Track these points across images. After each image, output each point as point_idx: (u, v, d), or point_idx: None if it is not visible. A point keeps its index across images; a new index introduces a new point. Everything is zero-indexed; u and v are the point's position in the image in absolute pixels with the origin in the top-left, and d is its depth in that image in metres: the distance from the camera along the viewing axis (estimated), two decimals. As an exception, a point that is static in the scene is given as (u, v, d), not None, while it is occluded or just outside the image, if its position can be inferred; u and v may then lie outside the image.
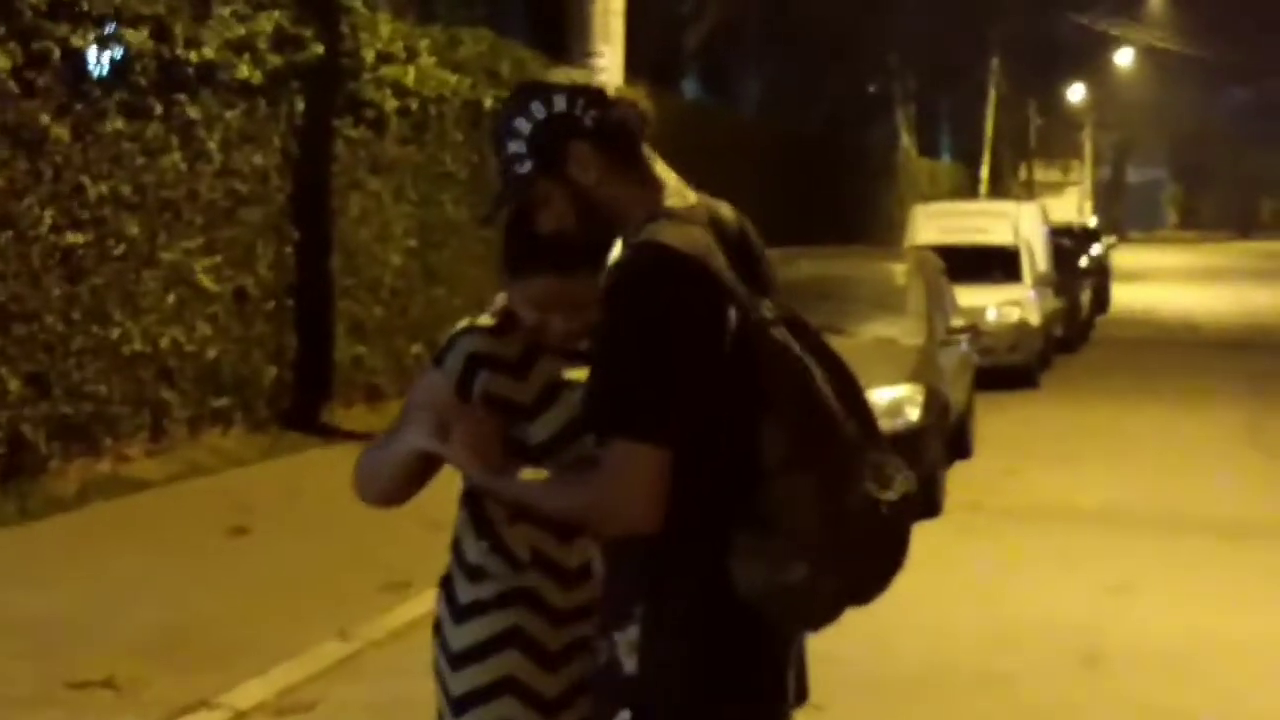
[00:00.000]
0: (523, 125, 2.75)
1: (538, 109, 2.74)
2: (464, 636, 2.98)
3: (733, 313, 2.58)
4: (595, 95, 2.79)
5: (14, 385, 8.80)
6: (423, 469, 2.96)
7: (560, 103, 2.74)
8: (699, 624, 2.60)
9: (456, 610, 3.00)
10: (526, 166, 2.74)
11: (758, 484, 2.53)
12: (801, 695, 2.79)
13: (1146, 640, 7.03)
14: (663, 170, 2.78)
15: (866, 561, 2.59)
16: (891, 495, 2.58)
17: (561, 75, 2.93)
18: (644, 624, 2.63)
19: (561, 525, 2.91)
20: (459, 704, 2.99)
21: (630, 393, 2.59)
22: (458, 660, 2.98)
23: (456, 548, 3.05)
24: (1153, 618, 7.43)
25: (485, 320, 3.05)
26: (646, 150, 2.78)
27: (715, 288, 2.60)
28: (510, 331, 3.02)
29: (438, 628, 3.06)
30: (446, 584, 3.04)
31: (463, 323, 3.08)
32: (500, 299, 3.07)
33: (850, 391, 2.64)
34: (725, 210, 2.81)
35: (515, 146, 2.75)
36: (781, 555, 2.50)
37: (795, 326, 2.64)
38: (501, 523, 2.97)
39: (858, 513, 2.52)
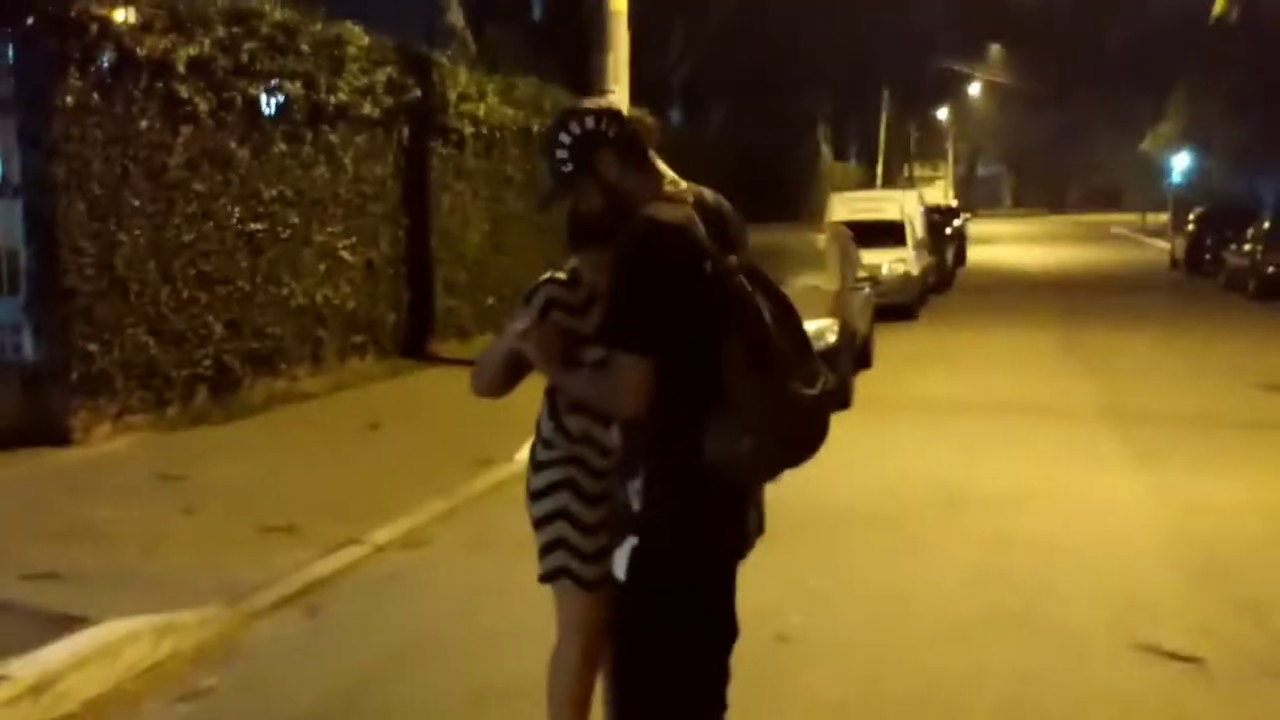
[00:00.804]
0: (565, 139, 2.73)
1: (575, 127, 2.72)
2: (538, 481, 3.07)
3: (707, 265, 2.56)
4: (615, 115, 2.77)
5: (218, 329, 8.74)
6: (514, 372, 2.99)
7: (590, 122, 2.71)
8: (681, 478, 2.60)
9: (534, 464, 3.10)
10: (569, 168, 2.73)
11: (722, 382, 2.52)
12: (760, 528, 2.77)
13: (990, 489, 6.97)
14: (663, 167, 2.75)
15: (797, 437, 2.58)
16: (814, 390, 2.58)
17: (590, 102, 2.88)
18: (645, 476, 2.65)
19: (603, 414, 2.91)
20: (535, 524, 3.07)
21: (627, 320, 2.59)
22: (533, 495, 3.08)
23: (538, 425, 3.10)
24: (995, 474, 7.36)
25: (561, 275, 3.07)
26: (652, 154, 2.75)
27: (693, 247, 2.57)
28: (577, 285, 3.03)
29: (527, 478, 3.12)
30: (532, 447, 3.11)
31: (545, 275, 3.09)
32: (572, 262, 3.07)
33: (789, 320, 2.63)
34: (708, 193, 2.77)
35: (560, 154, 2.74)
36: (736, 431, 2.51)
37: (752, 275, 2.61)
38: (564, 411, 3.03)
39: (791, 402, 2.52)
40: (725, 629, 2.81)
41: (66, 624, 4.31)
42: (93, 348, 7.53)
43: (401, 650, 4.46)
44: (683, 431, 2.57)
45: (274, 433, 8.30)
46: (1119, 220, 52.82)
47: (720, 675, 2.81)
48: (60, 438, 7.38)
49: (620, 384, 2.59)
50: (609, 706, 3.19)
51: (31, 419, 7.36)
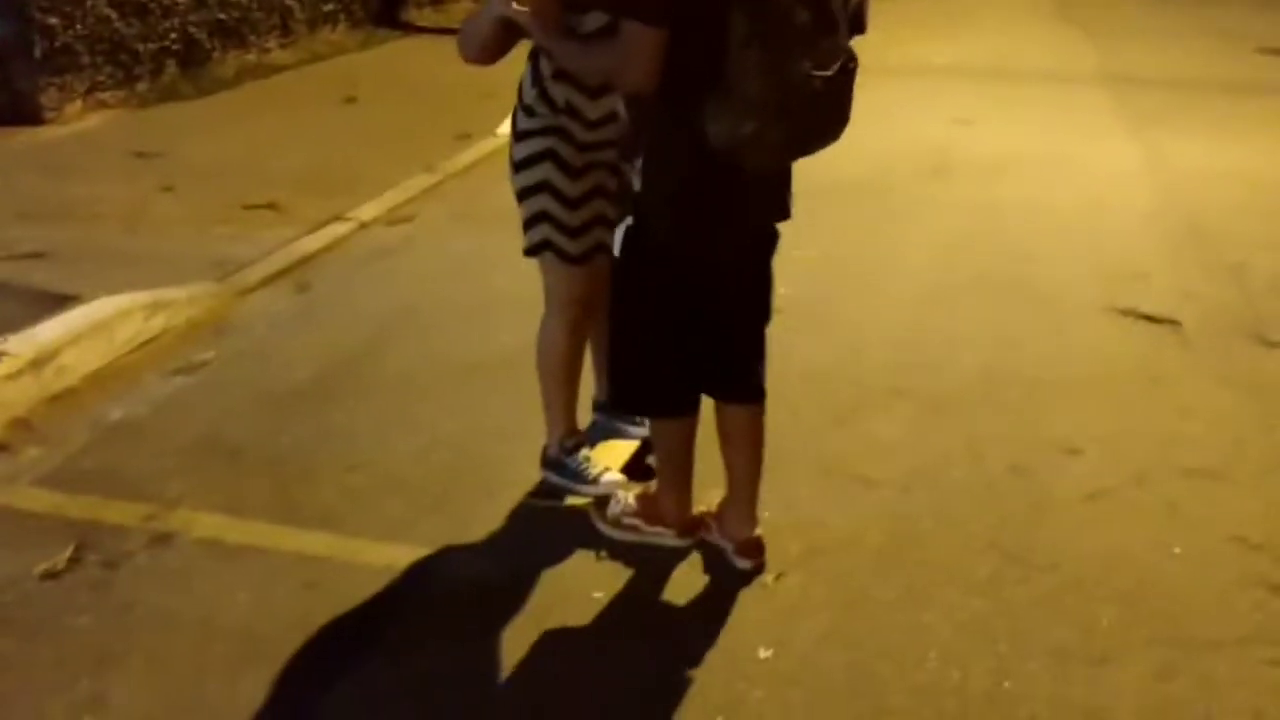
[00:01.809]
0: None
1: None
2: (520, 151, 2.95)
3: None
4: None
5: (181, -1, 8.31)
6: (504, 37, 2.82)
7: None
8: (680, 160, 2.53)
9: (515, 133, 2.96)
10: None
11: (724, 58, 2.37)
12: (782, 213, 2.72)
13: (980, 155, 6.89)
14: None
15: (803, 121, 2.44)
16: (829, 71, 2.41)
17: None
18: (646, 157, 2.59)
19: (587, 84, 2.80)
20: (518, 196, 2.98)
21: None
22: (516, 167, 2.96)
23: (520, 91, 2.95)
24: (985, 140, 7.25)
25: None
26: None
27: None
28: None
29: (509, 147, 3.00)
30: (513, 116, 2.96)
31: None
32: None
33: None
34: None
35: None
36: (737, 113, 2.38)
37: None
38: (548, 78, 2.87)
39: (796, 83, 2.36)
40: (731, 308, 2.79)
41: (58, 302, 4.30)
42: (53, 21, 7.12)
43: (393, 323, 4.50)
44: (685, 111, 2.45)
45: (248, 107, 7.99)
46: None
47: (721, 354, 2.82)
48: (31, 117, 7.12)
49: (630, 53, 2.47)
50: (601, 374, 3.27)
51: (-2, 98, 7.09)
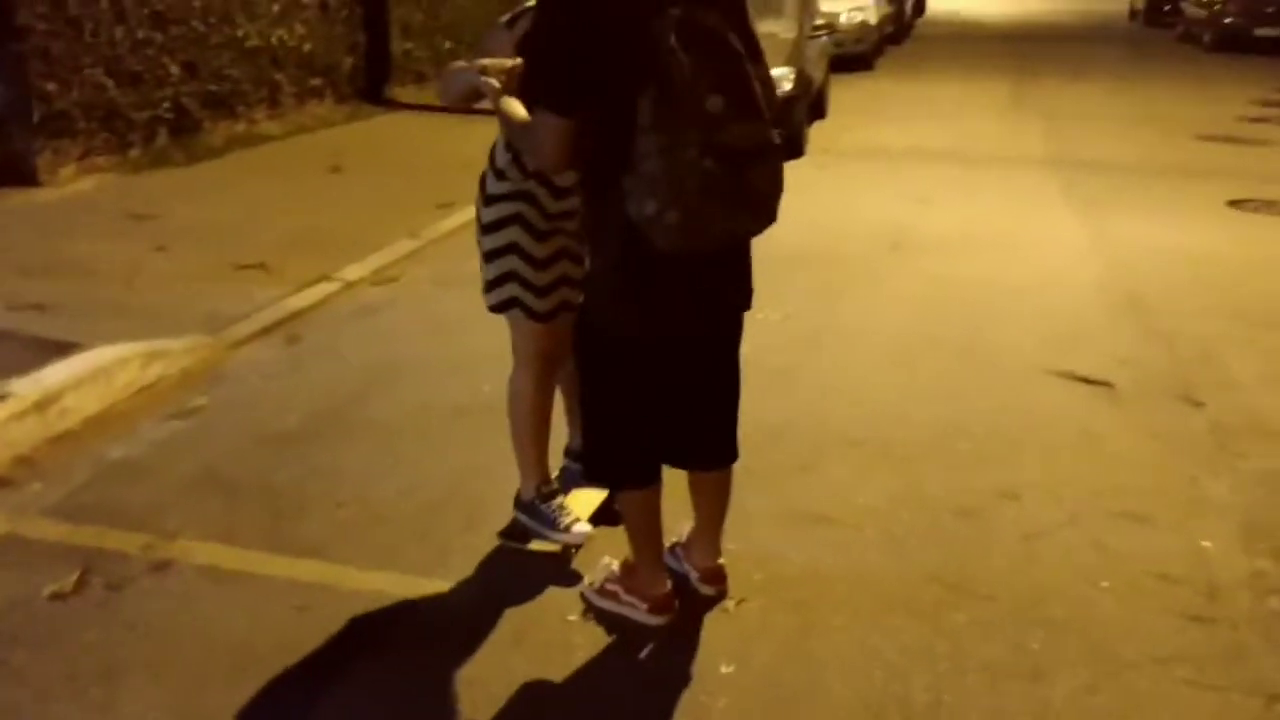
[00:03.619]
0: None
1: None
2: (489, 214, 3.10)
3: (624, 7, 2.42)
4: None
5: (174, 70, 8.56)
6: (472, 96, 2.93)
7: None
8: (614, 239, 2.56)
9: (485, 197, 3.12)
10: None
11: (633, 142, 2.39)
12: (743, 298, 2.77)
13: (936, 232, 7.21)
14: None
15: (702, 204, 2.40)
16: (746, 147, 2.41)
17: None
18: (586, 235, 2.74)
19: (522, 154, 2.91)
20: (486, 256, 3.13)
21: (543, 73, 2.53)
22: (485, 229, 3.12)
23: (491, 155, 3.11)
24: (941, 218, 7.58)
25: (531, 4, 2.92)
26: None
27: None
28: None
29: (477, 209, 3.16)
30: (482, 180, 3.12)
31: (527, 3, 2.95)
32: None
33: (732, 75, 2.41)
34: None
35: None
36: (641, 194, 2.40)
37: (690, 26, 2.37)
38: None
39: (690, 165, 2.36)
40: (694, 388, 2.85)
41: (60, 349, 4.49)
42: (51, 87, 7.39)
43: (380, 373, 4.70)
44: (609, 191, 2.48)
45: (237, 174, 8.26)
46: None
47: (689, 419, 2.88)
48: (26, 178, 7.35)
49: (538, 137, 2.52)
50: (572, 421, 3.46)
51: (-6, 160, 7.31)
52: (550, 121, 2.48)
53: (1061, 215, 7.75)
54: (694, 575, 3.09)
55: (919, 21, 26.44)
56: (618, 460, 2.90)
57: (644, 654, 2.87)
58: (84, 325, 4.89)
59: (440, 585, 3.14)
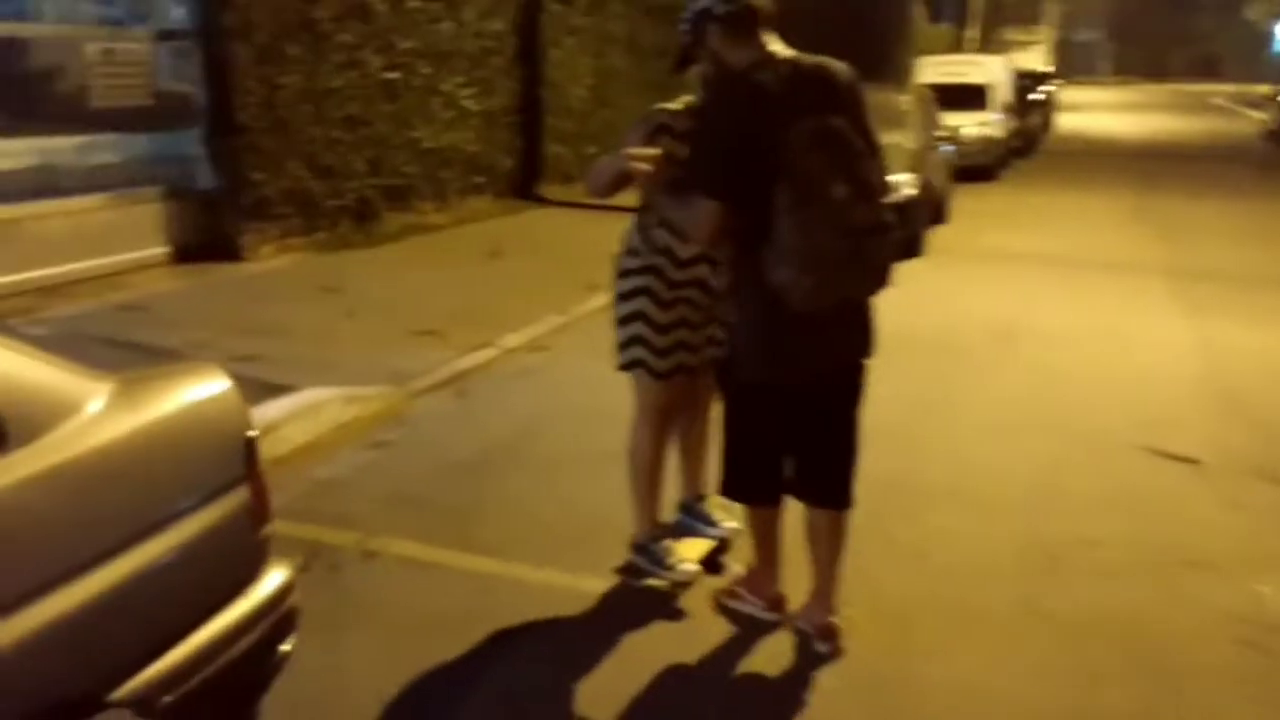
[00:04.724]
0: (687, 14, 3.12)
1: (695, 4, 3.09)
2: (622, 285, 3.54)
3: (766, 112, 2.87)
4: None
5: (360, 166, 9.62)
6: (621, 183, 3.33)
7: (706, 1, 3.06)
8: (757, 299, 2.98)
9: (620, 271, 3.55)
10: (688, 37, 3.13)
11: (773, 220, 2.86)
12: (861, 349, 3.17)
13: (1044, 327, 7.62)
14: (770, 41, 3.04)
15: (833, 272, 2.85)
16: (865, 226, 2.85)
17: None
18: (731, 296, 3.19)
19: (681, 230, 3.33)
20: (618, 322, 3.56)
21: (697, 163, 3.02)
22: (618, 299, 3.56)
23: (627, 236, 3.54)
24: (1050, 315, 7.99)
25: (673, 106, 3.43)
26: (760, 29, 3.03)
27: (754, 96, 2.91)
28: (687, 115, 3.37)
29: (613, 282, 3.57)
30: (619, 257, 3.55)
31: (658, 105, 3.44)
32: (688, 98, 3.42)
33: (854, 168, 2.87)
34: (806, 59, 3.02)
35: (683, 25, 3.14)
36: (777, 263, 2.86)
37: (821, 131, 2.85)
38: (651, 224, 3.47)
39: (820, 241, 2.82)
40: (822, 429, 3.25)
41: (276, 390, 5.30)
42: (259, 177, 8.47)
43: (537, 421, 5.40)
44: (752, 260, 2.92)
45: (410, 257, 9.19)
46: (1219, 90, 51.03)
47: (814, 457, 3.28)
48: (232, 255, 8.38)
49: (695, 220, 3.00)
50: (686, 475, 3.96)
51: (208, 239, 8.35)
52: (707, 204, 2.96)
53: (1167, 317, 8.10)
54: (811, 632, 3.39)
55: (1047, 137, 26.78)
56: (748, 484, 3.39)
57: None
58: (290, 374, 5.70)
59: (595, 584, 3.74)
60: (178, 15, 8.25)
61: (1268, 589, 3.84)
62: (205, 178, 8.34)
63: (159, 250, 8.15)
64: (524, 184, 12.48)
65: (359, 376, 5.76)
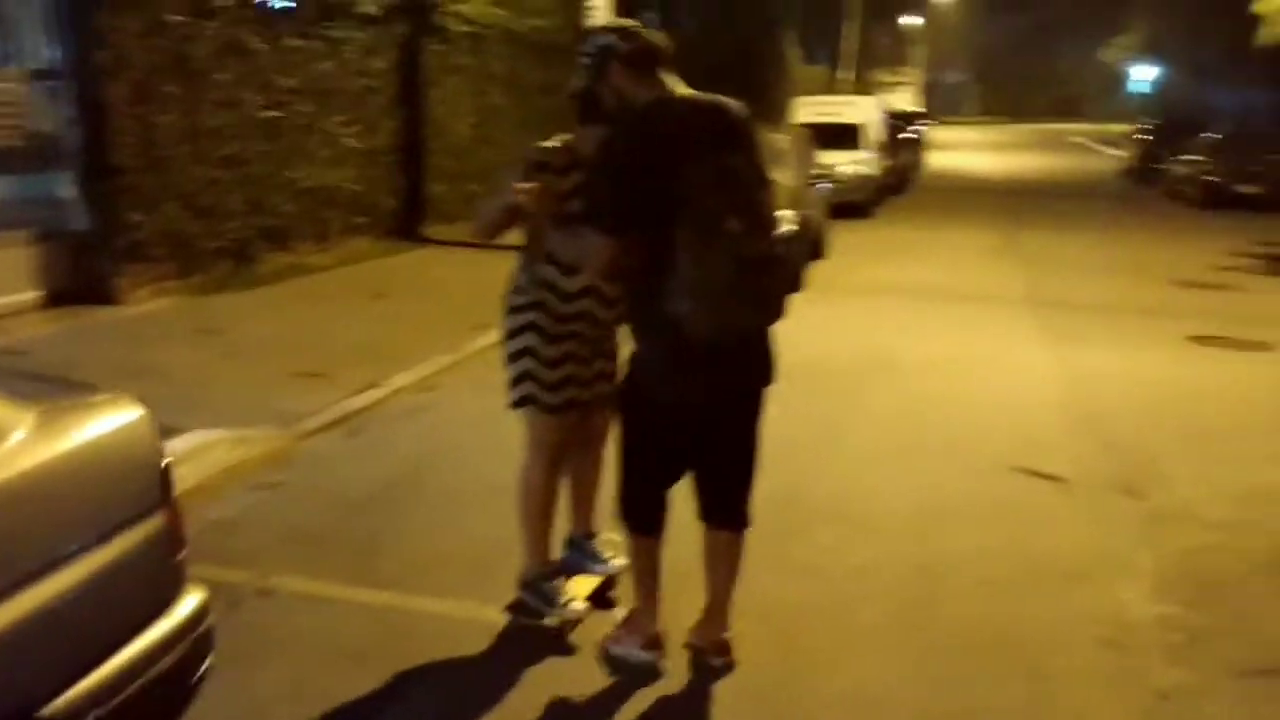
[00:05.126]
0: (588, 49, 3.23)
1: (596, 40, 3.22)
2: (509, 323, 3.60)
3: (664, 150, 3.00)
4: (628, 34, 3.21)
5: (239, 206, 9.58)
6: (508, 221, 3.44)
7: (607, 38, 3.21)
8: (653, 328, 3.12)
9: (508, 309, 3.60)
10: (591, 72, 3.21)
11: (670, 254, 2.95)
12: (756, 377, 3.28)
13: (920, 357, 7.99)
14: (670, 79, 3.17)
15: (729, 302, 2.96)
16: (756, 255, 2.95)
17: (613, 22, 3.39)
18: (630, 325, 3.31)
19: (567, 265, 3.43)
20: (507, 358, 3.61)
21: (594, 199, 3.13)
22: (507, 336, 3.61)
23: (513, 274, 3.59)
24: (926, 344, 8.39)
25: (550, 143, 3.48)
26: (660, 68, 3.17)
27: (654, 132, 3.04)
28: (565, 152, 3.42)
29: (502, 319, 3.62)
30: (506, 294, 3.60)
31: (536, 144, 3.49)
32: (565, 136, 3.47)
33: (748, 202, 3.00)
34: (704, 98, 3.16)
35: (585, 60, 3.23)
36: (676, 296, 2.96)
37: (720, 165, 2.98)
38: (536, 260, 3.52)
39: (720, 273, 2.92)
40: (718, 451, 3.36)
41: (161, 433, 5.26)
42: (135, 218, 8.38)
43: (429, 458, 5.48)
44: (649, 292, 3.03)
45: (291, 299, 9.16)
46: (1078, 129, 53.64)
47: (710, 488, 3.40)
48: (107, 298, 8.25)
49: (590, 254, 3.11)
50: (574, 512, 4.01)
51: (82, 282, 8.21)
52: (601, 240, 3.08)
53: (1033, 345, 8.57)
54: (705, 647, 3.52)
55: (918, 174, 27.79)
56: (641, 508, 3.48)
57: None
58: (173, 417, 5.63)
59: (495, 615, 3.83)
60: (51, 54, 8.14)
61: (1127, 593, 4.14)
62: (79, 220, 8.22)
63: (30, 295, 7.99)
64: (407, 224, 12.51)
65: (245, 418, 5.76)
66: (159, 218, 8.63)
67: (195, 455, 5.14)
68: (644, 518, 3.48)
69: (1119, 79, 45.98)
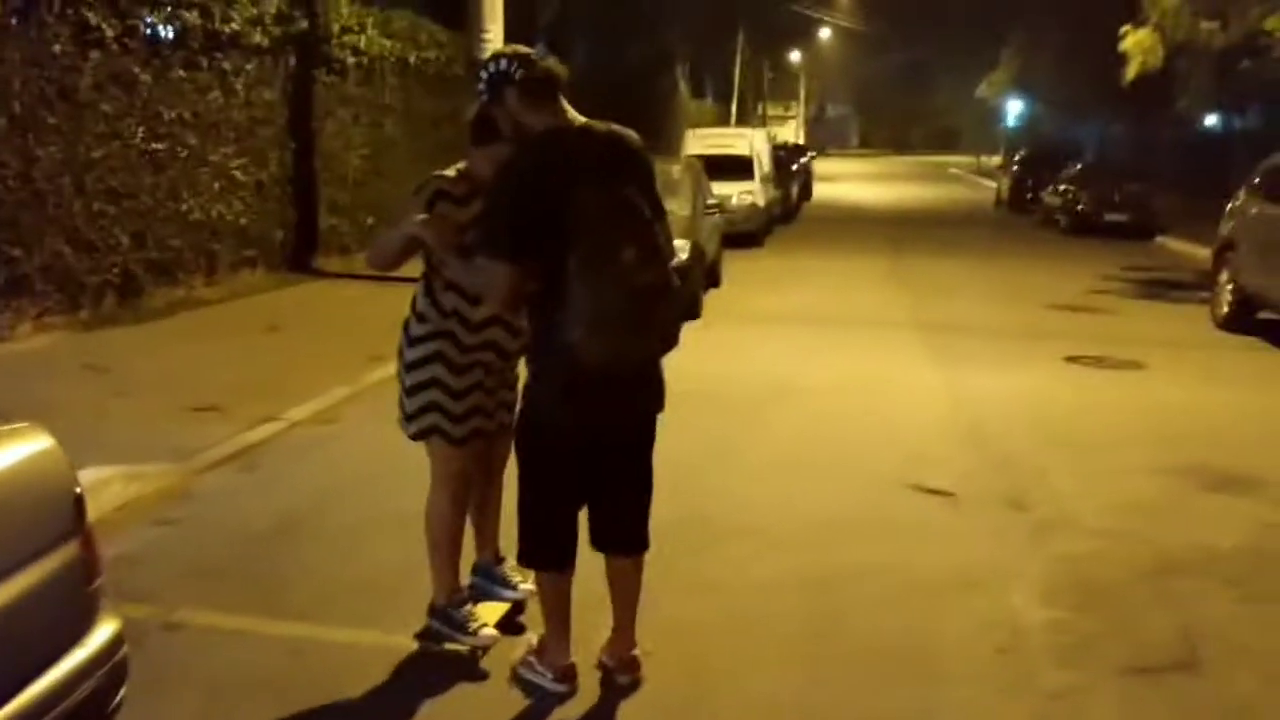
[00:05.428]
0: (484, 75, 3.25)
1: (491, 66, 3.24)
2: (412, 354, 3.57)
3: (558, 178, 3.02)
4: (524, 60, 3.21)
5: (124, 239, 9.38)
6: (406, 252, 3.45)
7: (503, 64, 3.21)
8: (551, 357, 3.14)
9: (408, 339, 3.58)
10: (485, 98, 3.28)
11: (565, 283, 2.96)
12: (648, 404, 3.33)
13: (813, 380, 8.21)
14: (565, 106, 3.22)
15: (622, 331, 2.99)
16: (643, 285, 2.97)
17: (509, 49, 3.34)
18: (528, 355, 3.34)
19: (473, 295, 3.44)
20: (408, 391, 3.60)
21: (490, 227, 3.11)
22: (408, 368, 3.59)
23: (413, 302, 3.56)
24: (818, 368, 8.62)
25: (447, 172, 3.53)
26: (556, 95, 3.20)
27: (549, 160, 3.06)
28: (460, 180, 3.50)
29: (400, 350, 3.61)
30: (406, 324, 3.59)
31: (434, 173, 3.52)
32: (461, 164, 3.51)
33: (641, 232, 3.02)
34: (599, 126, 3.21)
35: (481, 86, 3.27)
36: (569, 324, 2.96)
37: (611, 193, 3.01)
38: (439, 289, 3.52)
39: (609, 303, 2.94)
40: (615, 479, 3.40)
41: (52, 469, 5.14)
42: (17, 253, 8.15)
43: (331, 491, 5.45)
44: (546, 321, 3.06)
45: (181, 333, 9.01)
46: (956, 161, 55.48)
47: (609, 505, 3.42)
48: (-15, 335, 8.01)
49: (490, 284, 3.11)
50: (480, 540, 4.05)
51: (-42, 318, 7.97)
52: (502, 268, 3.07)
53: (922, 368, 8.86)
54: (613, 665, 3.56)
55: (805, 205, 28.41)
56: (546, 548, 3.42)
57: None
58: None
59: (405, 642, 3.84)
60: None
61: (1017, 600, 4.34)
62: (-46, 255, 7.98)
63: (-97, 332, 7.72)
64: (298, 256, 12.39)
65: (138, 455, 5.66)
66: (40, 251, 8.41)
67: (90, 492, 4.95)
68: (550, 554, 3.46)
69: (994, 113, 47.66)
